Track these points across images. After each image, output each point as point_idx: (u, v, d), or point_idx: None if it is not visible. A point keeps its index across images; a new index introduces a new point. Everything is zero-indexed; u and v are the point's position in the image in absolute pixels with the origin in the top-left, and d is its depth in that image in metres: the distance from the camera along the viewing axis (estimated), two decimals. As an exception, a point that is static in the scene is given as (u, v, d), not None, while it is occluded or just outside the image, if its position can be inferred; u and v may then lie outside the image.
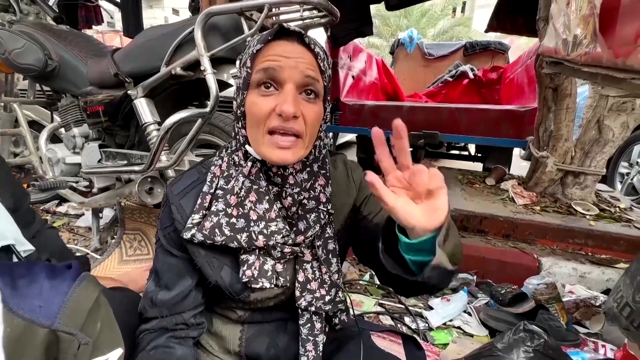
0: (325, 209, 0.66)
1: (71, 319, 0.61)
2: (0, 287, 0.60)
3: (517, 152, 4.72)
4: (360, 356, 0.68)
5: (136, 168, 1.43)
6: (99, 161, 1.65)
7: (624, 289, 1.05)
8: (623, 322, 1.02)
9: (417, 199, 0.49)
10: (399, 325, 1.34)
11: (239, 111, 0.62)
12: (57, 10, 1.87)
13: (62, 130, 1.77)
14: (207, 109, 1.21)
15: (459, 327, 1.33)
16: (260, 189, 0.63)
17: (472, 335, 1.29)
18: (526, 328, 0.92)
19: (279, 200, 0.65)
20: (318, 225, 0.65)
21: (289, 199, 0.64)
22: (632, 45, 0.58)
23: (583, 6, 0.76)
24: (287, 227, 0.64)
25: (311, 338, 0.68)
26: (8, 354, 0.56)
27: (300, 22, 1.26)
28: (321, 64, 0.60)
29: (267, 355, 0.71)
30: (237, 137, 0.65)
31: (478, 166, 3.55)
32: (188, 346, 0.67)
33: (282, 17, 1.28)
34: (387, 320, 1.38)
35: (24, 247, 0.80)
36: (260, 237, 0.62)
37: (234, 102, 0.64)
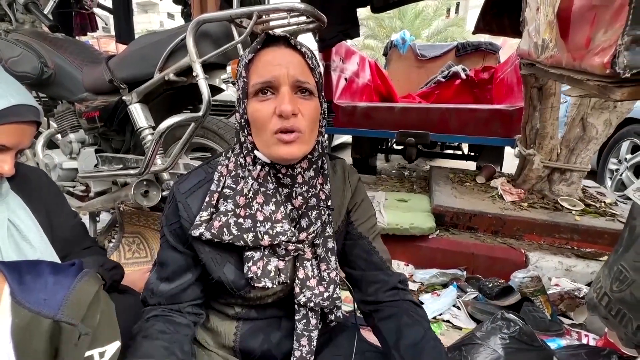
0: (325, 206, 0.69)
1: (73, 311, 0.65)
2: (9, 282, 0.64)
3: (511, 150, 4.77)
4: (352, 349, 0.72)
5: (132, 172, 1.46)
6: (95, 166, 1.68)
7: (603, 280, 1.09)
8: (602, 311, 1.06)
9: None
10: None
11: (242, 120, 0.65)
12: (52, 19, 1.90)
13: (59, 136, 1.80)
14: (200, 113, 1.24)
15: (447, 321, 1.37)
16: (268, 192, 0.66)
17: (460, 328, 1.33)
18: (503, 317, 0.96)
19: (290, 202, 0.68)
20: (319, 221, 0.68)
21: (300, 198, 0.67)
22: (584, 50, 0.63)
23: (549, 12, 0.81)
24: (292, 228, 0.67)
25: (306, 333, 0.70)
26: (16, 343, 0.60)
27: (288, 28, 1.30)
28: (310, 63, 0.64)
29: (261, 350, 0.74)
30: (245, 144, 0.67)
31: (471, 165, 3.60)
32: (186, 319, 0.71)
33: (271, 23, 1.31)
34: (378, 315, 1.42)
35: None
36: (266, 237, 0.65)
37: (237, 114, 0.67)
